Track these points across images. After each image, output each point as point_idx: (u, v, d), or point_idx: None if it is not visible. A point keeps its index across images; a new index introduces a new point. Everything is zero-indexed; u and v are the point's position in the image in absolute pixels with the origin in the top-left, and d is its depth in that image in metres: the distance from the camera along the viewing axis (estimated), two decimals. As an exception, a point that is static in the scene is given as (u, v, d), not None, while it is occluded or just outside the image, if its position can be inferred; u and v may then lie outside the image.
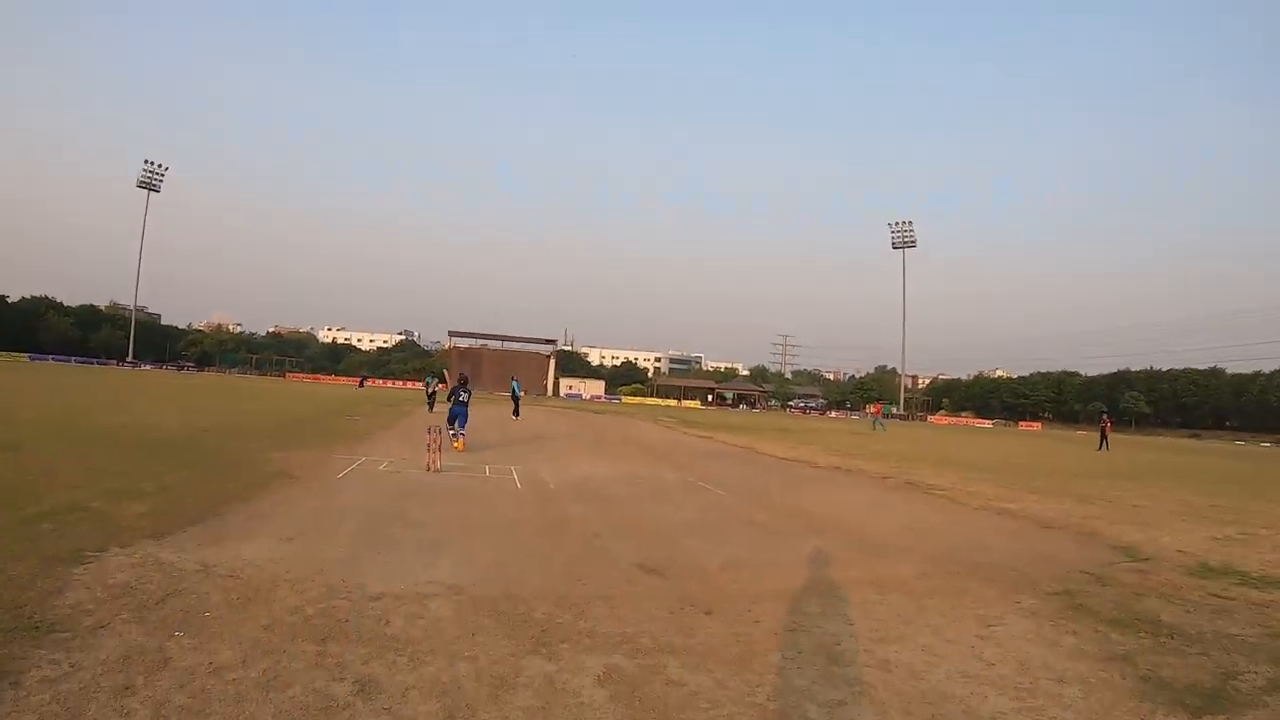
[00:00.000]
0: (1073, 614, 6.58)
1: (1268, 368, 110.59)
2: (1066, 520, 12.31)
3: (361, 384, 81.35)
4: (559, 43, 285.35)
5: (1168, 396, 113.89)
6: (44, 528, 6.89)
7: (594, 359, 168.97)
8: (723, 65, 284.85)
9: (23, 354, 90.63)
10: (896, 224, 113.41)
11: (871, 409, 72.78)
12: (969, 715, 4.38)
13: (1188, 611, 6.78)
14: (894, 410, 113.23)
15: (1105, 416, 49.09)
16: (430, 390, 36.84)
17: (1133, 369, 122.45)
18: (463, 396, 18.98)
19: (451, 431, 17.93)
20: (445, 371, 54.22)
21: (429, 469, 13.60)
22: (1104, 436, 42.48)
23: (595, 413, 51.71)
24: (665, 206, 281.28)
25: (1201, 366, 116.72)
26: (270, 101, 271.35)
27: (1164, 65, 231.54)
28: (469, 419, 18.78)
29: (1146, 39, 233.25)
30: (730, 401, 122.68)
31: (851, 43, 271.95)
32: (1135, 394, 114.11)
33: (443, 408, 25.57)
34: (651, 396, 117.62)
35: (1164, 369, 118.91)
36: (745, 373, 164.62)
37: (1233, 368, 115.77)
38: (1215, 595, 7.47)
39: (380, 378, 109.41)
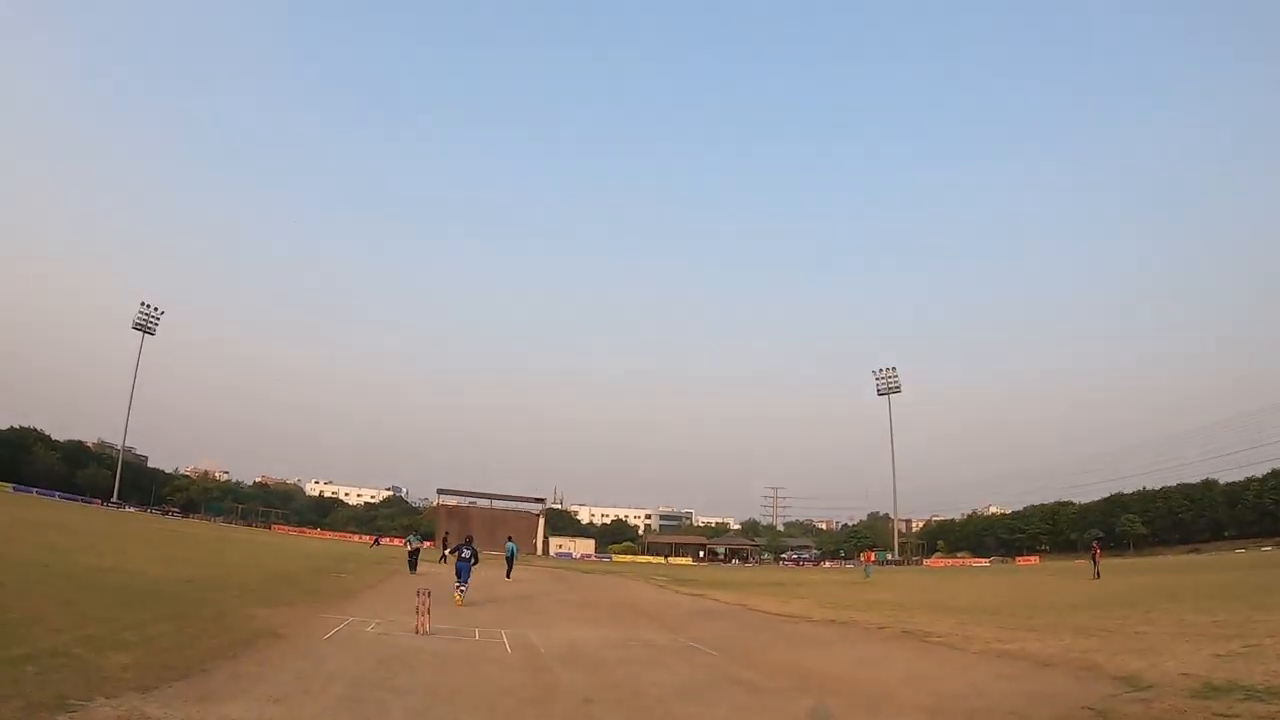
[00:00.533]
0: (1074, 754, 6.45)
1: (1259, 472, 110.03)
2: (1066, 656, 12.11)
3: (376, 543, 79.07)
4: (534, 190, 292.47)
5: (1163, 514, 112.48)
6: (28, 670, 6.84)
7: (584, 517, 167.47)
8: (707, 211, 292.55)
9: (7, 484, 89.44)
10: (880, 371, 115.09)
11: (863, 557, 72.12)
12: None
13: None
14: (889, 556, 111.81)
15: (1095, 544, 49.06)
16: (413, 549, 33.09)
17: (1125, 491, 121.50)
18: (464, 554, 20.13)
19: (459, 586, 19.44)
20: (446, 533, 52.94)
21: (418, 631, 13.41)
22: (1095, 563, 42.24)
23: (585, 572, 51.04)
24: (648, 362, 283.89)
25: (1193, 480, 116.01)
26: (266, 254, 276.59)
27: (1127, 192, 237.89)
28: (470, 578, 19.94)
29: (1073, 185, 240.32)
30: (722, 556, 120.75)
31: (829, 196, 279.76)
32: (1131, 516, 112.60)
33: (427, 568, 31.60)
34: (643, 554, 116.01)
35: (1157, 488, 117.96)
36: (737, 526, 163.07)
37: (1224, 477, 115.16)
38: (1220, 715, 7.35)
39: (370, 533, 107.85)
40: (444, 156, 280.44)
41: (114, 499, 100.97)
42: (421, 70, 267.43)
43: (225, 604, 13.96)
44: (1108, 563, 43.22)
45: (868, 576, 52.70)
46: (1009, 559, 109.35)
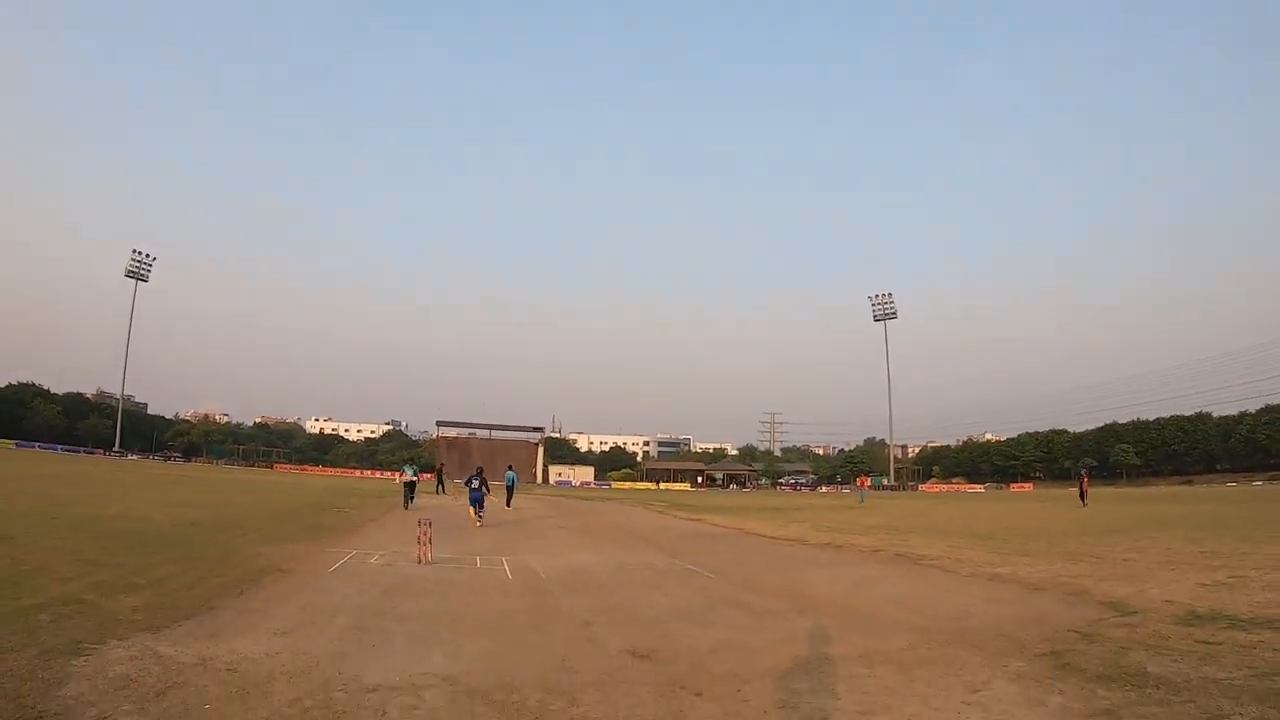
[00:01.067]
0: (1060, 673, 6.67)
1: (1253, 408, 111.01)
2: (1055, 581, 12.38)
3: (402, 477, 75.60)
4: (541, 123, 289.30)
5: (1157, 445, 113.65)
6: (41, 619, 6.97)
7: (582, 445, 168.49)
8: (702, 144, 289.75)
9: (9, 441, 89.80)
10: (877, 296, 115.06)
11: (859, 482, 72.81)
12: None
13: (1174, 661, 6.86)
14: (884, 481, 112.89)
15: (1084, 472, 49.76)
16: (408, 481, 30.43)
17: (1120, 421, 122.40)
18: (475, 484, 23.89)
19: (479, 513, 23.40)
20: (442, 465, 53.05)
21: (420, 561, 13.62)
22: (1083, 492, 43.02)
23: (585, 499, 51.48)
24: (648, 288, 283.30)
25: (1188, 412, 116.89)
26: (259, 193, 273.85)
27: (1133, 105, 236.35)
28: (484, 504, 24.06)
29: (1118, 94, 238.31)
30: (720, 482, 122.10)
31: (834, 125, 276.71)
32: (1124, 446, 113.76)
33: (425, 500, 32.28)
34: (641, 480, 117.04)
35: (1151, 418, 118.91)
36: (734, 452, 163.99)
37: (1219, 411, 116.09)
38: (1202, 642, 7.54)
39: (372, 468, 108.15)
40: (435, 70, 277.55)
41: (116, 448, 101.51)
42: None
43: (230, 544, 14.14)
44: (1099, 491, 43.93)
45: (862, 502, 53.28)
46: (1003, 485, 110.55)
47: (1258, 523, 23.81)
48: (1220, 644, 7.42)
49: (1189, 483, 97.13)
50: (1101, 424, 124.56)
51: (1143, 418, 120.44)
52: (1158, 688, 6.09)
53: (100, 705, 4.98)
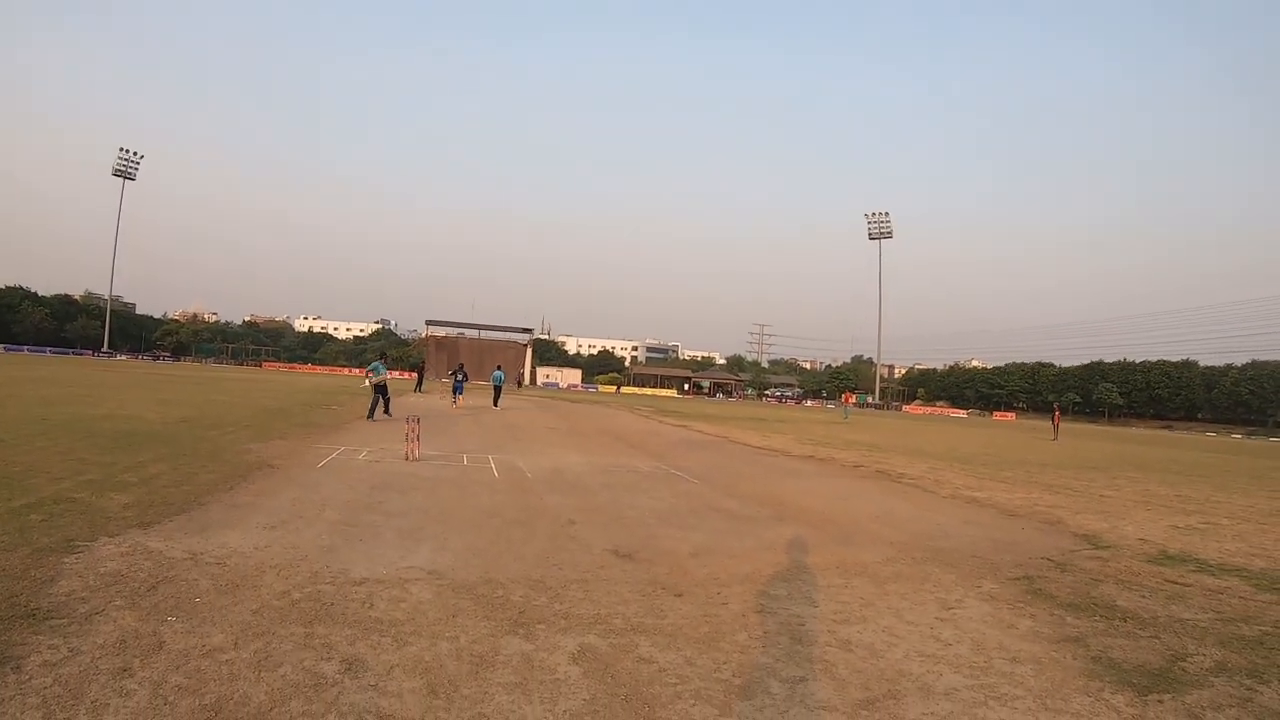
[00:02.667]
0: (1031, 598, 6.86)
1: (1239, 361, 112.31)
2: (1032, 509, 12.64)
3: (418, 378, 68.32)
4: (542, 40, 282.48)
5: (1141, 388, 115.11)
6: (32, 519, 7.01)
7: (571, 348, 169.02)
8: (705, 60, 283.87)
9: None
10: (873, 214, 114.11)
11: (844, 398, 73.52)
12: (924, 692, 4.62)
13: (1143, 597, 7.05)
14: (869, 399, 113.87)
15: (1056, 407, 51.50)
16: (376, 382, 23.18)
17: (1106, 360, 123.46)
18: (459, 377, 32.70)
19: (456, 401, 31.55)
20: (423, 364, 53.08)
21: (408, 458, 13.76)
22: (1055, 426, 44.88)
23: (572, 402, 51.79)
24: (643, 195, 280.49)
25: (1174, 359, 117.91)
26: (247, 89, 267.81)
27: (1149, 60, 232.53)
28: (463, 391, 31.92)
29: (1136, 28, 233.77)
30: (707, 390, 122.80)
31: (835, 45, 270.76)
32: (1109, 385, 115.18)
33: (408, 399, 34.21)
34: (628, 385, 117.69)
35: (1137, 361, 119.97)
36: (722, 362, 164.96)
37: (1205, 361, 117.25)
38: (1171, 582, 7.76)
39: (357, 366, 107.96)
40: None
41: (104, 349, 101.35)
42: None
43: (220, 441, 14.18)
44: (1081, 427, 45.03)
45: (846, 419, 54.27)
46: (986, 413, 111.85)
47: (1233, 474, 24.29)
48: (1189, 586, 7.63)
49: (1169, 427, 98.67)
50: (1088, 361, 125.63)
51: (1129, 359, 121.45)
52: (1125, 620, 6.26)
53: (92, 601, 5.06)
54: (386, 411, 22.69)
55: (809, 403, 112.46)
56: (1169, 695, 4.71)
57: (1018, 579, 7.60)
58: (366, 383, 23.80)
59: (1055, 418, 47.22)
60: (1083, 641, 5.68)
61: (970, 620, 6.12)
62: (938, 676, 4.88)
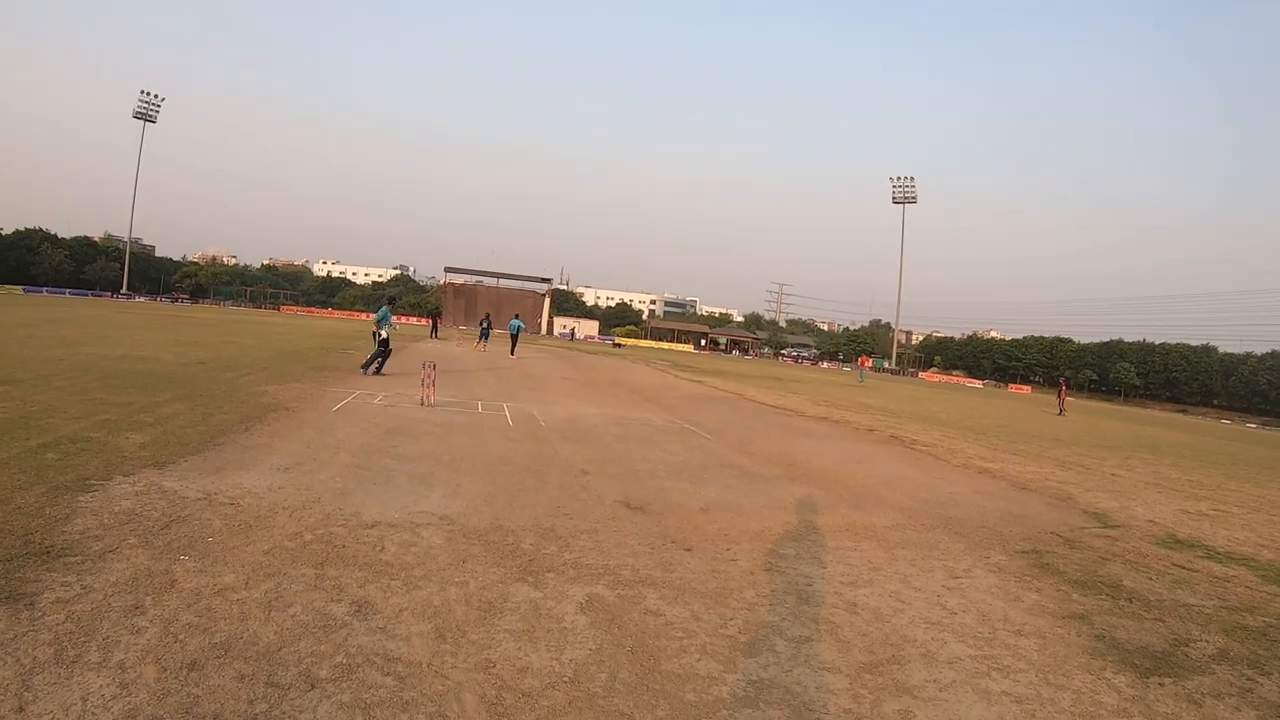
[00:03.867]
0: (1038, 572, 6.85)
1: (1260, 349, 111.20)
2: (1043, 484, 12.60)
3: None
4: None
5: (1158, 370, 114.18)
6: (48, 458, 7.05)
7: (589, 299, 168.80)
8: (732, 20, 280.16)
9: (16, 286, 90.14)
10: (898, 178, 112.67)
11: (860, 361, 73.23)
12: (927, 659, 4.64)
13: (1150, 579, 7.03)
14: (886, 364, 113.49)
15: (1062, 382, 51.35)
16: (384, 334, 18.92)
17: (1126, 340, 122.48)
18: (484, 325, 39.41)
19: (480, 345, 37.15)
20: (438, 315, 53.50)
21: (423, 403, 13.83)
22: (1060, 400, 45.84)
23: (588, 353, 51.79)
24: (666, 149, 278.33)
25: (1194, 343, 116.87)
26: (267, 33, 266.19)
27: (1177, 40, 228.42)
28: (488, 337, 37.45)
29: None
30: (723, 347, 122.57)
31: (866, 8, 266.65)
32: (1126, 365, 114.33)
33: (422, 345, 35.99)
34: (645, 338, 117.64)
35: (1156, 342, 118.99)
36: (740, 319, 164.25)
37: (1225, 347, 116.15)
38: (1179, 566, 7.72)
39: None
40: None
41: (123, 290, 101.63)
42: None
43: (236, 383, 14.24)
44: (1096, 404, 44.82)
45: (861, 382, 54.35)
46: (1002, 384, 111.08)
47: (1246, 462, 24.04)
48: (1196, 571, 7.59)
49: (1183, 411, 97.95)
50: (1107, 339, 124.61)
51: (1148, 339, 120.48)
52: (1130, 601, 6.25)
53: (106, 539, 5.11)
54: (379, 370, 18.71)
55: (825, 364, 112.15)
56: (1170, 679, 4.71)
57: (1026, 552, 7.60)
58: (377, 332, 19.15)
59: (1061, 392, 47.04)
60: (1087, 619, 5.68)
61: (977, 590, 6.12)
62: (942, 644, 4.89)
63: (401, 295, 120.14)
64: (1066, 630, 5.40)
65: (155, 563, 4.78)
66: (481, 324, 40.32)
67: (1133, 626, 5.62)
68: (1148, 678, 4.69)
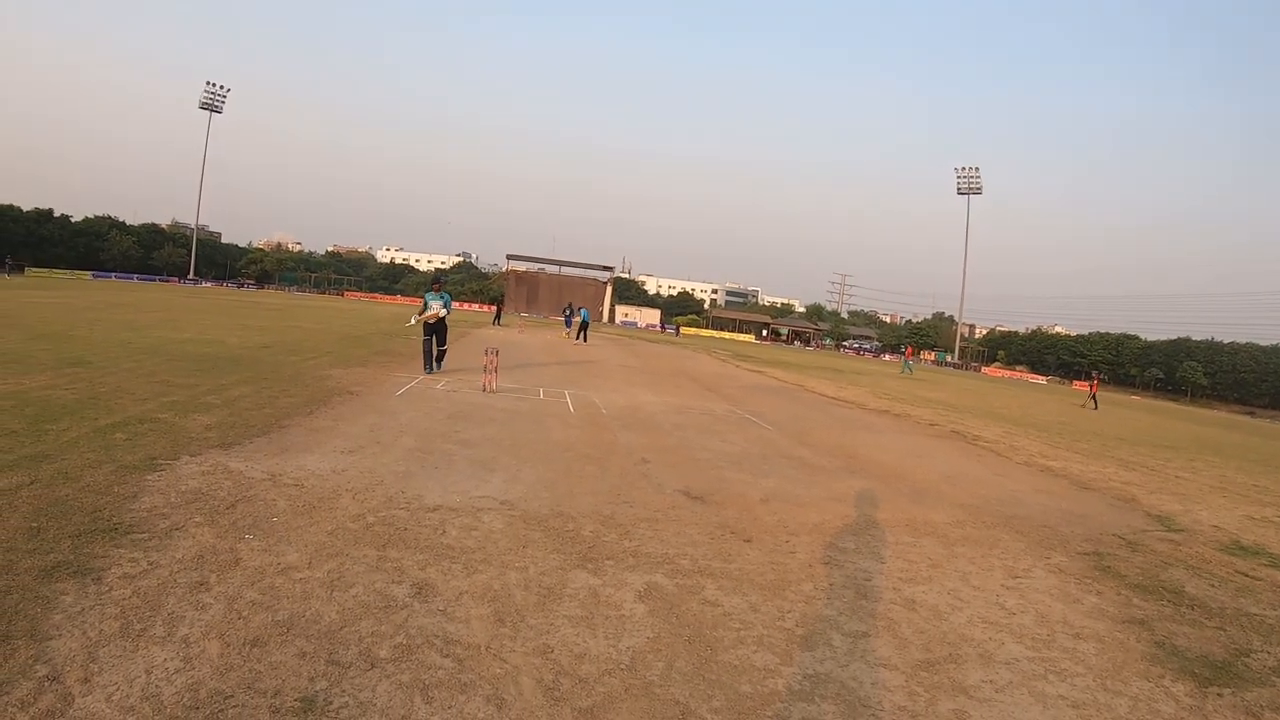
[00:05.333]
0: (1099, 575, 6.71)
1: None
2: (1106, 484, 12.30)
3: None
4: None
5: (1227, 370, 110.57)
6: (117, 438, 7.24)
7: (650, 288, 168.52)
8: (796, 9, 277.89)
9: (86, 271, 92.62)
10: (963, 169, 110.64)
11: (906, 351, 71.74)
12: (985, 659, 4.59)
13: (1212, 586, 6.84)
14: (949, 358, 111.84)
15: (1095, 375, 49.07)
16: (433, 316, 16.37)
17: (1194, 338, 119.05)
18: (567, 313, 40.13)
19: (567, 332, 37.89)
20: (501, 300, 53.79)
21: (485, 389, 13.95)
22: (1093, 396, 43.23)
23: (650, 342, 51.86)
24: (729, 137, 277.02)
25: (1265, 343, 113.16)
26: (337, 22, 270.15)
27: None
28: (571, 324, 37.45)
29: None
30: (785, 338, 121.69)
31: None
32: (1193, 364, 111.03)
33: (484, 331, 35.27)
34: (707, 328, 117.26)
35: (1225, 341, 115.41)
36: (801, 309, 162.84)
37: None
38: (1242, 573, 7.49)
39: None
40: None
41: (190, 276, 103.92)
42: None
43: (301, 366, 14.51)
44: (1161, 404, 43.04)
45: (907, 373, 52.95)
46: (1066, 381, 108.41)
47: None
48: (1260, 580, 7.35)
49: (1251, 413, 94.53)
50: (1175, 336, 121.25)
51: (1217, 338, 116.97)
52: (1192, 608, 6.08)
53: (172, 517, 5.24)
54: (438, 363, 16.65)
55: (886, 356, 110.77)
56: (1229, 690, 4.59)
57: (1087, 554, 7.43)
58: (415, 318, 16.94)
59: (1093, 386, 44.57)
60: (1147, 625, 5.55)
61: (1036, 591, 6.01)
62: (999, 645, 4.82)
63: (443, 276, 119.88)
64: (1126, 635, 5.28)
65: (220, 541, 4.89)
66: (565, 312, 41.71)
67: (1193, 634, 5.47)
68: (1206, 687, 4.58)
